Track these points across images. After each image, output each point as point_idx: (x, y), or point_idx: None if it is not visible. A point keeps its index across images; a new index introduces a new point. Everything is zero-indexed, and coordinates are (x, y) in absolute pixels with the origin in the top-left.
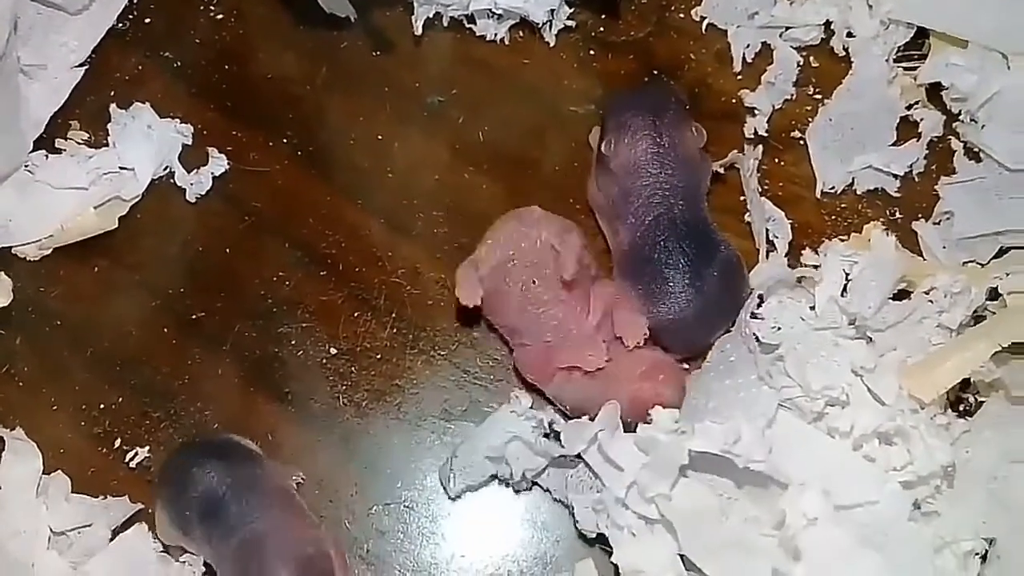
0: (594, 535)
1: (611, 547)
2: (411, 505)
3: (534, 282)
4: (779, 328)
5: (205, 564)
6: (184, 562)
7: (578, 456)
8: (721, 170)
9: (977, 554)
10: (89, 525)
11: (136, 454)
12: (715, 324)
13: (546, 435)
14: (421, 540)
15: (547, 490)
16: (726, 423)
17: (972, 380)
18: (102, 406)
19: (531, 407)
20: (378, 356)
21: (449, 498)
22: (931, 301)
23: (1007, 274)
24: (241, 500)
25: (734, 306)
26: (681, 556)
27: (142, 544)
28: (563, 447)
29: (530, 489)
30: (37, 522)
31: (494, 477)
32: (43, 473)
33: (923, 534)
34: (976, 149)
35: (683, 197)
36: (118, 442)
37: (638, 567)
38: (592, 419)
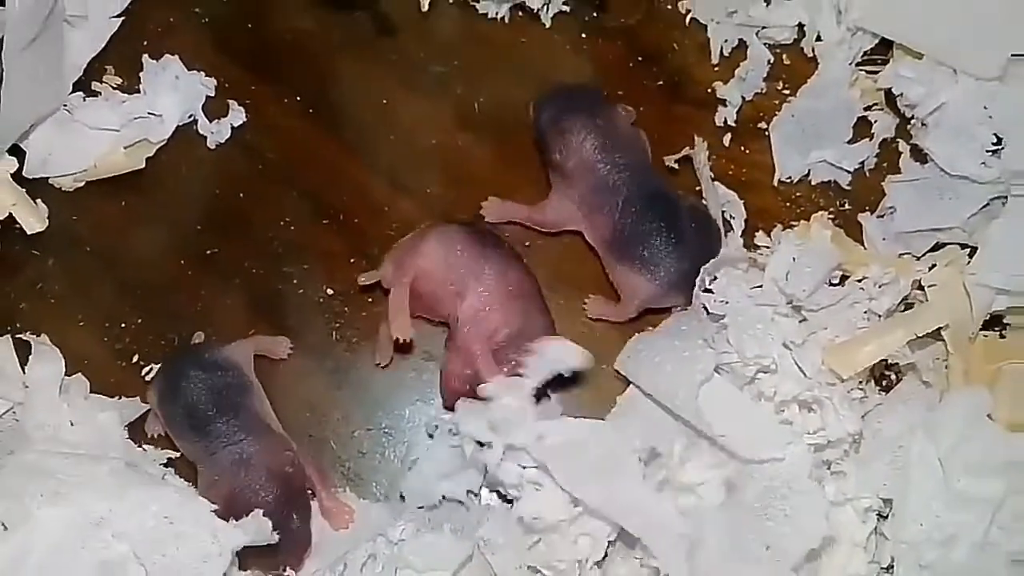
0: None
1: None
2: (390, 431)
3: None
4: (726, 302)
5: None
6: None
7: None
8: (675, 164)
9: (876, 511)
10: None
11: (151, 369)
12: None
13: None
14: (397, 462)
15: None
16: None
17: (890, 361)
18: (123, 325)
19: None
20: (369, 300)
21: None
22: (862, 288)
23: (931, 267)
24: (228, 420)
25: (713, 244)
26: None
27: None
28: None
29: (478, 496)
30: (59, 417)
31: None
32: (65, 375)
33: (823, 490)
34: (924, 151)
35: (637, 171)
36: (136, 357)
37: (537, 513)
38: None
